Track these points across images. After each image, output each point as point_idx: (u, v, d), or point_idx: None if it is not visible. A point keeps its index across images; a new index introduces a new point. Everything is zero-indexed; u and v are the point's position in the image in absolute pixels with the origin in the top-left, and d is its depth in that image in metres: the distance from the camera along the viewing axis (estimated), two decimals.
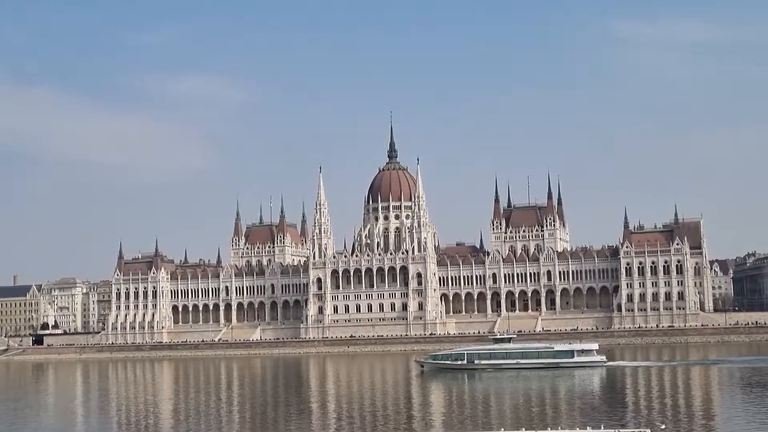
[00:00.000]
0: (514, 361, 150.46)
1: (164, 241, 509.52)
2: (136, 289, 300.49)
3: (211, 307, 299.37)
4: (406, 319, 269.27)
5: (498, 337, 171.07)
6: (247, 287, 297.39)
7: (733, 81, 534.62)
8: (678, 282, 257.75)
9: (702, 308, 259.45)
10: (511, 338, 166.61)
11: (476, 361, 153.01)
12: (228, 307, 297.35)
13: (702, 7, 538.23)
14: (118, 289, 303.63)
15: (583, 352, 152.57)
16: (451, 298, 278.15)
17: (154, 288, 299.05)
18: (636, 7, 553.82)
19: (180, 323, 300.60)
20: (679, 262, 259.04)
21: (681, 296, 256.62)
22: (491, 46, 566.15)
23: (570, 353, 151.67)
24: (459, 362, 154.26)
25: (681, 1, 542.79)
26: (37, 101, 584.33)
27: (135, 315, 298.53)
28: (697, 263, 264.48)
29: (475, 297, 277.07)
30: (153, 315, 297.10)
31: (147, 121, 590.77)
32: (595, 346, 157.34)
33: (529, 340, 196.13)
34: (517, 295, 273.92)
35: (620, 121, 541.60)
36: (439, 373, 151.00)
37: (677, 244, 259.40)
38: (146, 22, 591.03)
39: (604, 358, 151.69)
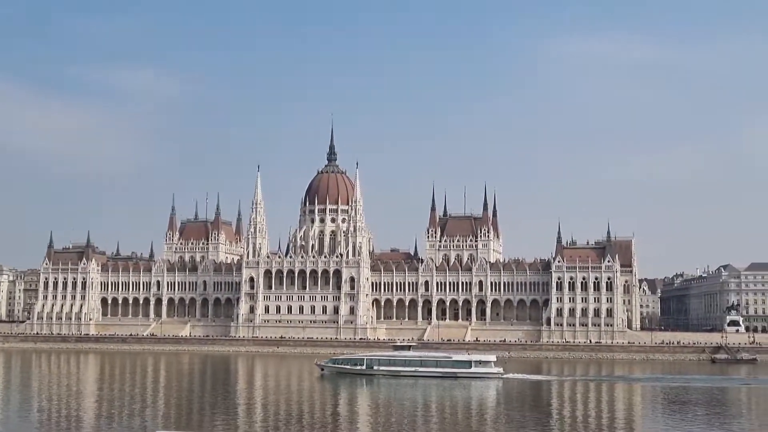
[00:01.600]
0: (413, 369, 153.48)
1: (97, 233, 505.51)
2: (65, 279, 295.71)
3: (141, 301, 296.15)
4: (337, 322, 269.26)
5: (398, 344, 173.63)
6: (179, 283, 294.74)
7: (668, 101, 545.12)
8: (607, 299, 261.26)
9: (629, 326, 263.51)
10: (411, 346, 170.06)
11: (375, 367, 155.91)
12: (158, 301, 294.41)
13: (639, 29, 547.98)
14: (46, 279, 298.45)
15: (480, 363, 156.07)
16: (382, 304, 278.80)
17: (83, 279, 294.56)
18: (576, 26, 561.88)
19: (108, 316, 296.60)
20: (609, 279, 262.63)
21: (609, 313, 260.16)
22: (433, 57, 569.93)
23: (467, 364, 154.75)
24: (358, 367, 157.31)
25: (619, 22, 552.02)
26: None
27: (62, 305, 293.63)
28: (626, 281, 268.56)
29: (407, 304, 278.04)
30: (81, 306, 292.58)
31: (85, 111, 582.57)
32: (492, 358, 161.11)
33: (429, 349, 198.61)
34: (448, 304, 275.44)
35: (558, 138, 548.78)
36: (339, 378, 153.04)
37: (608, 262, 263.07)
38: (87, 12, 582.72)
39: (501, 370, 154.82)
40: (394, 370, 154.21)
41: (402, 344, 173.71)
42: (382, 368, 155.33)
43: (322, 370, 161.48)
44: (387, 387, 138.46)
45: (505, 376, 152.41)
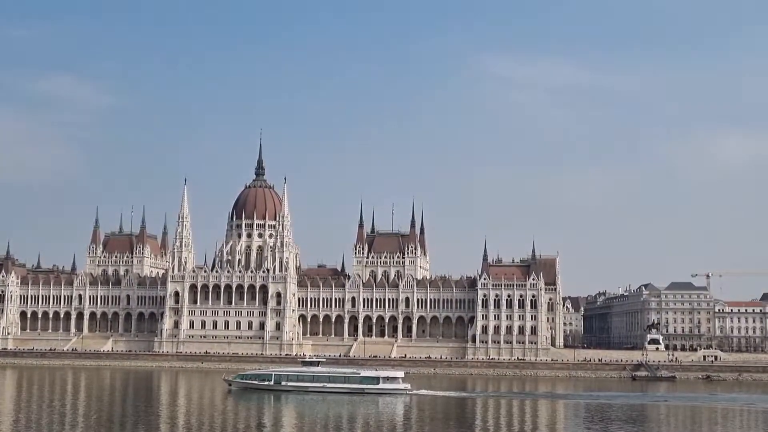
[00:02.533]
0: (321, 385, 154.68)
1: (17, 244, 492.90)
2: None
3: (62, 315, 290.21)
4: (263, 338, 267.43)
5: (307, 360, 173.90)
6: (101, 297, 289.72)
7: (595, 123, 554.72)
8: (531, 316, 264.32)
9: (553, 343, 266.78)
10: (319, 362, 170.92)
11: (283, 383, 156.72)
12: (80, 316, 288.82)
13: (573, 52, 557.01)
14: None
15: (388, 379, 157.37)
16: (309, 320, 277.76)
17: (2, 292, 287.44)
18: (510, 46, 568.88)
19: (28, 330, 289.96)
20: (533, 296, 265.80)
21: (533, 330, 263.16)
22: (364, 73, 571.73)
23: (375, 380, 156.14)
24: (266, 383, 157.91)
25: (554, 45, 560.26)
26: None
27: None
28: (550, 299, 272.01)
29: (333, 320, 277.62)
30: None
31: (7, 119, 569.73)
32: (400, 374, 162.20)
33: (339, 365, 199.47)
34: (374, 320, 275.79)
35: (486, 155, 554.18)
36: (246, 393, 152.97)
37: (533, 280, 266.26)
38: (16, 17, 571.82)
39: (408, 386, 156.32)
40: (302, 385, 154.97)
41: (311, 360, 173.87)
42: (290, 384, 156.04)
43: (230, 385, 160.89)
44: (295, 403, 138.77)
45: (412, 392, 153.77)
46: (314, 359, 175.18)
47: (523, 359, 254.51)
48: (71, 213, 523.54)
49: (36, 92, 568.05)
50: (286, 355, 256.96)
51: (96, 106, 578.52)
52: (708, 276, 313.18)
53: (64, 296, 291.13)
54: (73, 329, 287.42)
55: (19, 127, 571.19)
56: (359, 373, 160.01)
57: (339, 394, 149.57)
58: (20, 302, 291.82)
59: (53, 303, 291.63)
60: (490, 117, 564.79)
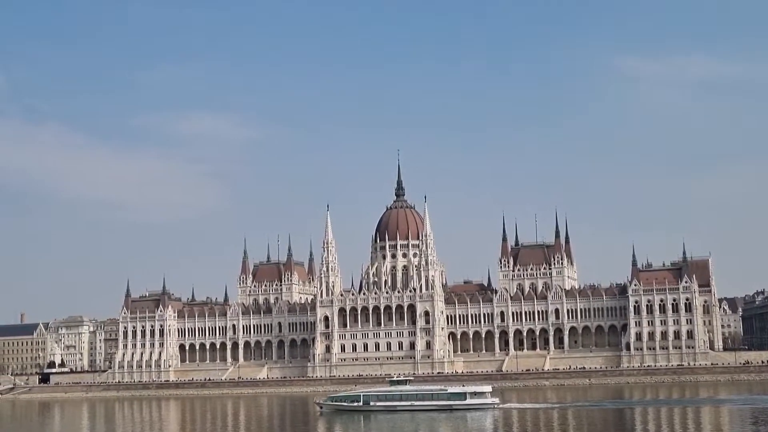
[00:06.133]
0: (409, 403, 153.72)
1: (171, 279, 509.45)
2: (143, 327, 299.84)
3: (218, 346, 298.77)
4: (414, 357, 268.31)
5: (394, 379, 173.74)
6: (254, 325, 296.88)
7: (740, 118, 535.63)
8: (687, 320, 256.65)
9: (711, 347, 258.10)
10: (407, 380, 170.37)
11: (372, 403, 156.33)
12: (235, 345, 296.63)
13: (707, 45, 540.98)
14: (125, 328, 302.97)
15: (475, 394, 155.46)
16: (459, 337, 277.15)
17: (161, 326, 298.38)
18: (641, 43, 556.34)
19: (187, 362, 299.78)
20: (687, 300, 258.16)
21: (690, 335, 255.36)
22: (498, 84, 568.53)
23: (462, 395, 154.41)
24: (355, 404, 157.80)
25: (686, 38, 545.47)
26: (45, 140, 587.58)
27: (142, 353, 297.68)
28: (705, 301, 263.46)
29: (483, 335, 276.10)
30: (160, 353, 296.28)
31: (154, 160, 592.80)
32: (488, 388, 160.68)
33: (425, 382, 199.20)
34: (525, 334, 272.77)
35: (628, 159, 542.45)
36: (336, 415, 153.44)
37: (686, 282, 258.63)
38: (152, 60, 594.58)
39: (497, 400, 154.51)
40: (391, 405, 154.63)
41: (399, 378, 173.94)
42: (379, 404, 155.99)
43: (321, 408, 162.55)
44: (384, 422, 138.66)
45: (501, 406, 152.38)
46: (402, 378, 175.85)
47: (682, 365, 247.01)
48: (220, 246, 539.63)
49: (177, 132, 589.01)
50: (438, 373, 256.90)
51: (235, 140, 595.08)
52: None
53: (219, 327, 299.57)
54: (229, 359, 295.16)
55: (164, 167, 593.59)
56: (446, 390, 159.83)
57: (427, 411, 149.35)
58: (178, 335, 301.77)
59: (209, 334, 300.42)
60: (629, 119, 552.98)
